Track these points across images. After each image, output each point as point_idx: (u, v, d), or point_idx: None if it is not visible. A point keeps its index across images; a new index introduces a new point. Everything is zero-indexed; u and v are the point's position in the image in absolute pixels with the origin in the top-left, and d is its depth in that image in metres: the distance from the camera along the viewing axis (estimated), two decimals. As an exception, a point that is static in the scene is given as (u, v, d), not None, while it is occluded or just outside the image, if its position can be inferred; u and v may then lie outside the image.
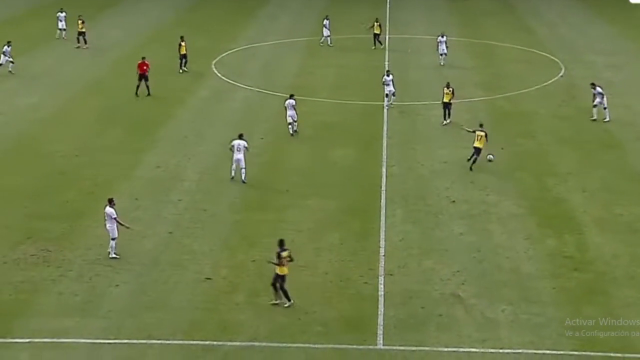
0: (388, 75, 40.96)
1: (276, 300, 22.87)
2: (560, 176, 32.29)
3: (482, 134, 33.00)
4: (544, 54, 53.27)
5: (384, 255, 25.73)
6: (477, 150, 32.79)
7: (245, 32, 60.59)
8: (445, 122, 38.45)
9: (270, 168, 33.39)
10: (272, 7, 72.28)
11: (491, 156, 32.70)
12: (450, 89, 38.46)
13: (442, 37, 49.90)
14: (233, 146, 31.80)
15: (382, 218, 28.39)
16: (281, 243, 23.12)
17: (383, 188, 31.00)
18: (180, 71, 47.52)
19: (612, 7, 71.50)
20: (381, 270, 24.80)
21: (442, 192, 30.70)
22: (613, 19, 65.64)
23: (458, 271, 24.83)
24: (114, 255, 25.37)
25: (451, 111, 38.69)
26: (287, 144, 36.07)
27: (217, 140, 36.38)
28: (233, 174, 31.79)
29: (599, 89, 39.18)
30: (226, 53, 53.35)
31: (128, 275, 24.61)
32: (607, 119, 38.80)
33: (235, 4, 72.67)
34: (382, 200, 29.85)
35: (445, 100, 38.58)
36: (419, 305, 22.97)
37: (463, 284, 24.12)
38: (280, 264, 22.81)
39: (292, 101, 37.03)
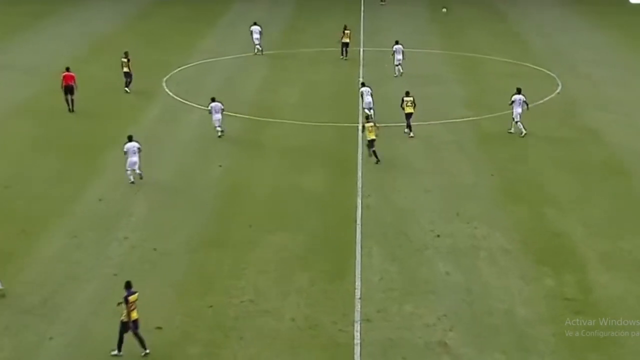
0: (363, 86, 42.30)
1: (145, 350, 22.73)
2: (558, 206, 32.33)
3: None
4: (537, 67, 53.67)
5: (360, 298, 25.52)
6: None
7: (202, 44, 60.48)
8: (407, 131, 40.07)
9: (230, 199, 33.15)
10: (233, 15, 72.35)
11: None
12: (411, 98, 39.88)
13: (397, 44, 51.15)
14: (128, 150, 34.18)
15: (358, 255, 28.23)
16: (128, 285, 23.06)
17: (358, 221, 30.87)
18: (127, 90, 47.44)
19: (613, 13, 72.40)
20: (357, 316, 24.58)
21: (425, 225, 30.62)
22: (615, 27, 66.41)
23: (444, 315, 24.67)
24: None
25: (411, 123, 39.93)
26: (249, 172, 35.87)
27: (169, 168, 36.11)
28: (132, 179, 34.14)
29: (519, 97, 39.95)
30: (179, 68, 53.17)
31: (64, 325, 24.15)
32: (523, 133, 39.90)
33: (191, 12, 72.68)
34: (357, 235, 29.72)
35: (407, 111, 39.93)
36: (400, 355, 22.74)
37: (450, 330, 23.95)
38: (129, 309, 22.66)
39: (219, 104, 39.53)
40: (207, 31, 64.81)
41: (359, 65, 53.93)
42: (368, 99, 41.87)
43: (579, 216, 31.42)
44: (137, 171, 34.20)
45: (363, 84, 43.00)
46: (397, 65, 50.97)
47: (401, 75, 50.60)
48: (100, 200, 32.84)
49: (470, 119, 43.05)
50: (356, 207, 32.14)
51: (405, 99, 40.29)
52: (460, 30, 66.22)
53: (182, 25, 66.97)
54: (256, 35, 57.27)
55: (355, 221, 30.87)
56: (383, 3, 78.12)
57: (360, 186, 34.16)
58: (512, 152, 38.20)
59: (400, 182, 34.67)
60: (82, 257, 28.19)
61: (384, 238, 29.61)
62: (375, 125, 36.84)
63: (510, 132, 40.36)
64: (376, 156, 36.54)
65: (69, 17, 71.43)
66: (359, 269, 27.31)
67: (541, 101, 45.94)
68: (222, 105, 39.92)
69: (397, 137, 40.15)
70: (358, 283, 26.42)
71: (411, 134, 39.87)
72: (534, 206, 32.31)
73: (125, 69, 47.43)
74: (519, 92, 40.45)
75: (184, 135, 40.87)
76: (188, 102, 45.85)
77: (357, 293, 25.85)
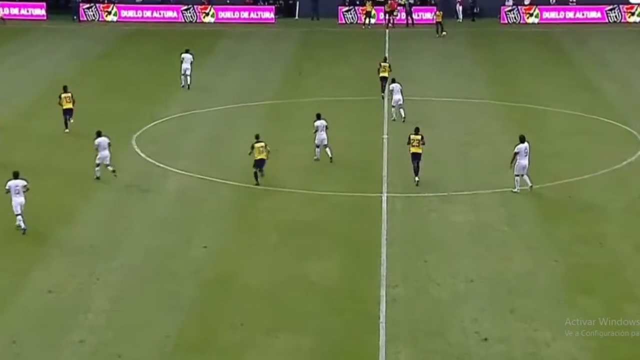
0: (318, 119, 46.35)
1: None
2: (642, 301, 32.32)
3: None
4: (613, 122, 53.86)
5: (384, 421, 25.54)
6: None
7: (181, 92, 60.93)
8: (417, 179, 43.01)
9: (217, 290, 33.18)
10: (220, 54, 73.08)
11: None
12: (419, 136, 42.98)
13: (394, 83, 53.81)
14: (10, 189, 37.32)
15: (382, 364, 28.20)
16: None
17: (382, 319, 30.86)
18: (66, 130, 49.97)
19: None
20: None
21: (468, 325, 30.60)
22: None
23: None
24: None
25: (420, 164, 42.60)
26: (240, 255, 35.95)
27: (138, 250, 36.19)
28: (23, 225, 37.19)
29: (524, 147, 41.61)
30: (154, 122, 53.55)
31: None
32: (529, 186, 42.00)
33: (167, 51, 73.29)
34: (380, 337, 29.68)
35: (414, 150, 42.94)
36: None
37: None
38: None
39: (106, 139, 43.58)
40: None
41: (383, 118, 54.26)
42: (322, 135, 45.92)
43: (668, 314, 31.38)
44: (18, 215, 37.07)
45: (319, 116, 46.23)
46: (394, 107, 53.50)
47: (404, 121, 52.14)
48: (49, 292, 32.86)
49: (528, 187, 43.12)
50: (379, 300, 32.11)
51: (412, 137, 42.98)
52: (514, 75, 66.65)
53: (156, 68, 67.60)
54: (185, 66, 61.08)
55: (379, 319, 30.83)
56: (442, 34, 79.71)
57: (385, 274, 34.16)
58: (581, 231, 38.23)
59: (436, 269, 34.65)
60: (24, 365, 28.19)
61: (415, 341, 29.54)
62: (266, 146, 42.69)
63: (515, 192, 41.56)
64: (256, 178, 42.59)
65: (11, 55, 72.15)
66: (383, 382, 27.32)
67: (618, 165, 46.03)
68: (109, 139, 43.62)
69: (432, 210, 40.27)
70: (382, 400, 26.48)
71: (417, 179, 42.74)
72: (610, 301, 32.17)
73: (68, 106, 50.62)
74: (522, 140, 41.87)
75: (158, 207, 41.07)
76: (164, 166, 46.11)
77: (381, 413, 25.90)
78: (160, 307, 31.84)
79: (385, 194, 42.11)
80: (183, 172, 45.23)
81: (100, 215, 40.08)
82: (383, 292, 32.72)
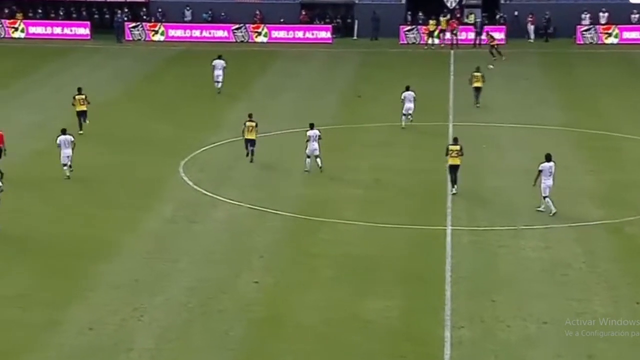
0: (311, 129, 49.30)
1: None
2: None
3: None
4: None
5: None
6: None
7: (232, 115, 61.07)
8: (454, 191, 45.32)
9: (269, 328, 33.08)
10: (274, 76, 73.21)
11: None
12: (458, 146, 45.31)
13: (407, 91, 56.96)
14: None
15: (446, 412, 28.04)
16: None
17: (447, 363, 30.68)
18: (80, 132, 52.40)
19: None
20: None
21: (542, 370, 30.29)
22: None
23: None
24: None
25: (458, 174, 45.22)
26: (294, 291, 35.83)
27: (183, 284, 36.17)
28: None
29: (549, 166, 42.77)
30: (203, 149, 53.70)
31: None
32: (553, 212, 42.74)
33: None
34: (445, 383, 29.52)
35: (453, 162, 45.13)
36: None
37: None
38: None
39: (69, 137, 46.95)
40: (239, 98, 65.53)
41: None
42: (314, 145, 48.72)
43: None
44: None
45: (312, 126, 49.29)
46: (405, 115, 57.04)
47: (409, 122, 56.66)
48: (90, 329, 32.82)
49: (606, 222, 42.76)
50: (443, 343, 31.82)
51: (451, 147, 45.40)
52: (591, 99, 66.28)
53: (205, 91, 67.81)
54: (217, 72, 65.16)
55: (443, 363, 30.68)
56: (492, 67, 78.84)
57: (449, 314, 33.89)
58: (666, 270, 37.82)
59: (505, 309, 34.30)
60: (61, 407, 28.25)
61: (483, 388, 29.34)
62: (256, 125, 49.61)
63: (540, 210, 42.93)
64: (247, 153, 49.78)
65: (49, 79, 72.78)
66: None
67: None
68: (73, 138, 47.31)
69: (501, 245, 39.96)
70: None
71: (454, 191, 45.18)
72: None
73: (82, 108, 54.28)
74: (548, 159, 42.81)
75: (205, 238, 41.07)
76: (213, 195, 46.21)
77: None
78: (207, 347, 31.75)
79: (450, 227, 41.89)
80: (233, 202, 45.29)
81: (144, 246, 40.13)
82: (447, 334, 32.45)
